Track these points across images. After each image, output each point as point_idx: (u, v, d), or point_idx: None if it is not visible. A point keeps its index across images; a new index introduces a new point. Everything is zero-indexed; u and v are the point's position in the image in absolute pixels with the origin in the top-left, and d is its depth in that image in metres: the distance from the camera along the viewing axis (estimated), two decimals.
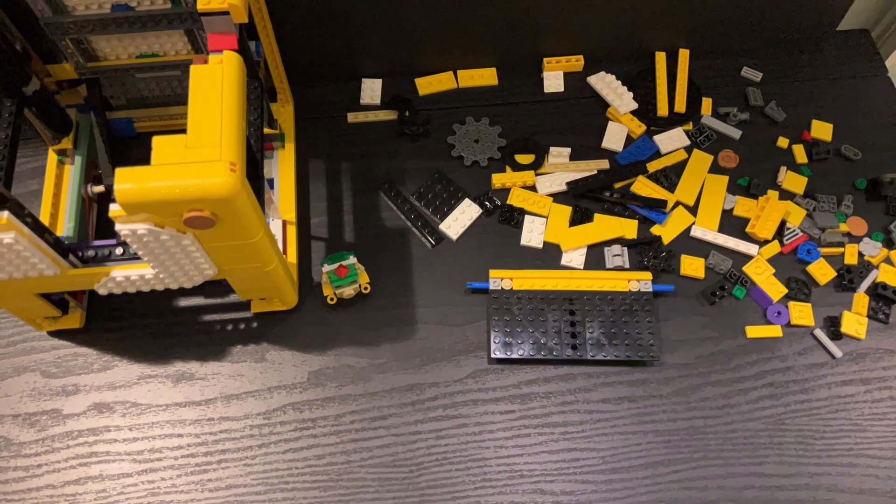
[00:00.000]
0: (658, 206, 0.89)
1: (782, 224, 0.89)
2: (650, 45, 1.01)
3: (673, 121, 0.97)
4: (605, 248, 0.88)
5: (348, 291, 0.83)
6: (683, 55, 1.01)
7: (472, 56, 0.99)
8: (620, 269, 0.86)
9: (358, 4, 0.89)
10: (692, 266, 0.87)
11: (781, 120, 0.98)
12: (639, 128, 0.96)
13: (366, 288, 0.84)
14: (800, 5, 0.97)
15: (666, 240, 0.89)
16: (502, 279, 0.84)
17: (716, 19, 0.98)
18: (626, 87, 0.98)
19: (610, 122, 0.97)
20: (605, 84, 0.99)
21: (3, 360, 0.82)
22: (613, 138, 0.96)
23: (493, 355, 0.80)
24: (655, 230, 0.89)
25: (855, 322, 0.84)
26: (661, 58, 1.01)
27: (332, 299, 0.83)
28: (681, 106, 0.98)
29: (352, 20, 0.91)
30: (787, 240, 0.88)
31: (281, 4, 0.84)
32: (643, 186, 0.92)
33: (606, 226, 0.89)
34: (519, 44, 0.98)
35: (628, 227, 0.89)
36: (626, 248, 0.87)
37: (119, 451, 0.77)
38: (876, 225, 0.91)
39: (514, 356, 0.80)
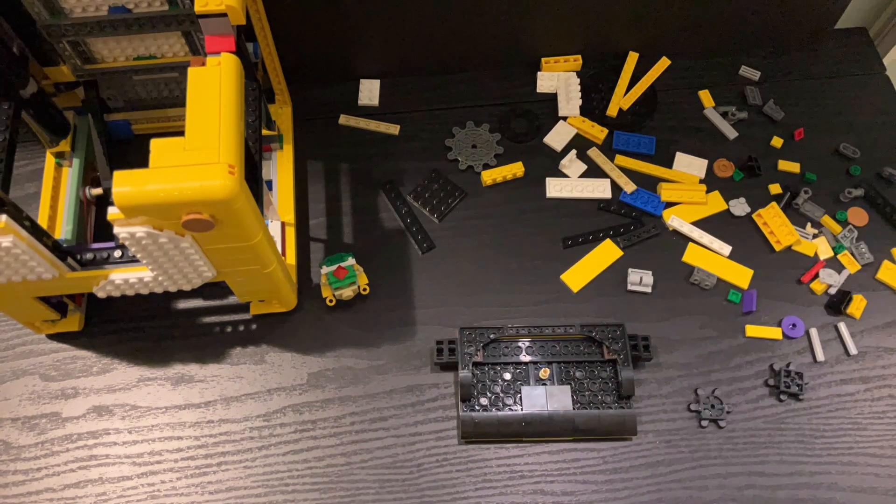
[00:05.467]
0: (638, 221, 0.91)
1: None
2: (649, 44, 1.01)
3: (621, 123, 0.97)
4: (628, 279, 0.86)
5: (347, 293, 0.83)
6: (662, 62, 1.02)
7: (471, 56, 0.99)
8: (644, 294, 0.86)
9: (355, 5, 0.89)
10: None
11: (780, 119, 0.98)
12: (592, 128, 0.96)
13: (365, 289, 0.84)
14: (798, 4, 0.97)
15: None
16: None
17: (714, 18, 0.98)
18: (580, 92, 0.98)
19: (561, 121, 0.97)
20: (564, 85, 0.99)
21: (2, 363, 0.82)
22: (557, 137, 0.96)
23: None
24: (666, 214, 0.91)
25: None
26: (632, 58, 1.01)
27: (331, 301, 0.83)
28: (625, 104, 0.98)
29: (349, 21, 0.91)
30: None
31: (278, 6, 0.84)
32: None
33: (604, 252, 0.88)
34: (517, 44, 0.98)
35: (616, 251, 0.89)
36: (648, 274, 0.86)
37: (119, 454, 0.77)
38: (876, 222, 0.91)
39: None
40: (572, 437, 0.77)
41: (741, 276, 0.87)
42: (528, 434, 0.77)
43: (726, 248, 0.88)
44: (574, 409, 0.78)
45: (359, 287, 0.83)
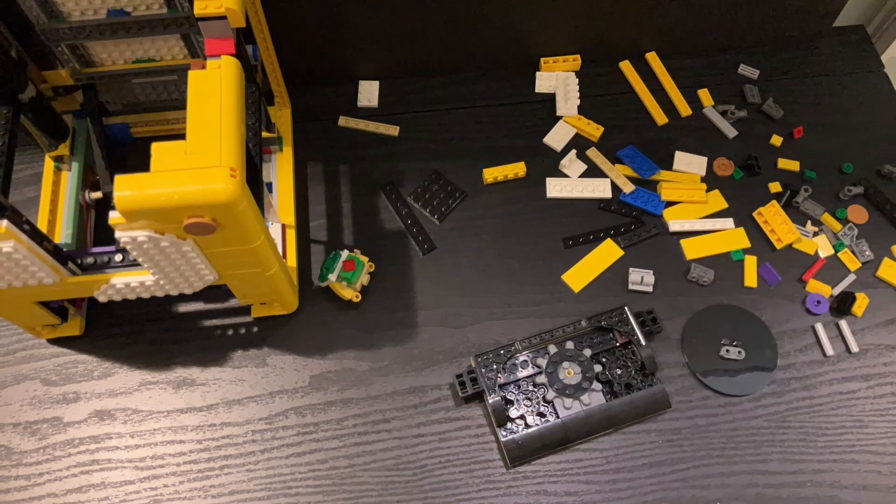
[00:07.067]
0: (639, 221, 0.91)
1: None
2: (648, 44, 1.01)
3: (620, 122, 0.97)
4: (629, 278, 0.86)
5: (365, 278, 0.83)
6: (655, 61, 1.02)
7: (470, 57, 0.99)
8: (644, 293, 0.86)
9: (354, 7, 0.88)
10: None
11: (779, 117, 0.98)
12: (588, 125, 0.96)
13: (371, 266, 0.85)
14: (796, 2, 0.97)
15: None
16: None
17: (713, 17, 0.98)
18: (579, 91, 0.99)
19: (560, 121, 0.97)
20: (563, 85, 0.99)
21: (3, 368, 0.81)
22: (557, 137, 0.96)
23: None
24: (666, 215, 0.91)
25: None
26: (629, 62, 1.02)
27: (357, 297, 0.83)
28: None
29: (348, 22, 0.91)
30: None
31: (277, 7, 0.83)
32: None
33: (604, 252, 0.88)
34: (516, 44, 0.98)
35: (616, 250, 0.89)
36: (649, 273, 0.86)
37: (121, 459, 0.77)
38: (876, 220, 0.91)
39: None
40: (613, 428, 0.78)
41: (737, 239, 0.89)
42: (572, 438, 0.77)
43: (729, 222, 0.90)
44: (607, 400, 0.78)
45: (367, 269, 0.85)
